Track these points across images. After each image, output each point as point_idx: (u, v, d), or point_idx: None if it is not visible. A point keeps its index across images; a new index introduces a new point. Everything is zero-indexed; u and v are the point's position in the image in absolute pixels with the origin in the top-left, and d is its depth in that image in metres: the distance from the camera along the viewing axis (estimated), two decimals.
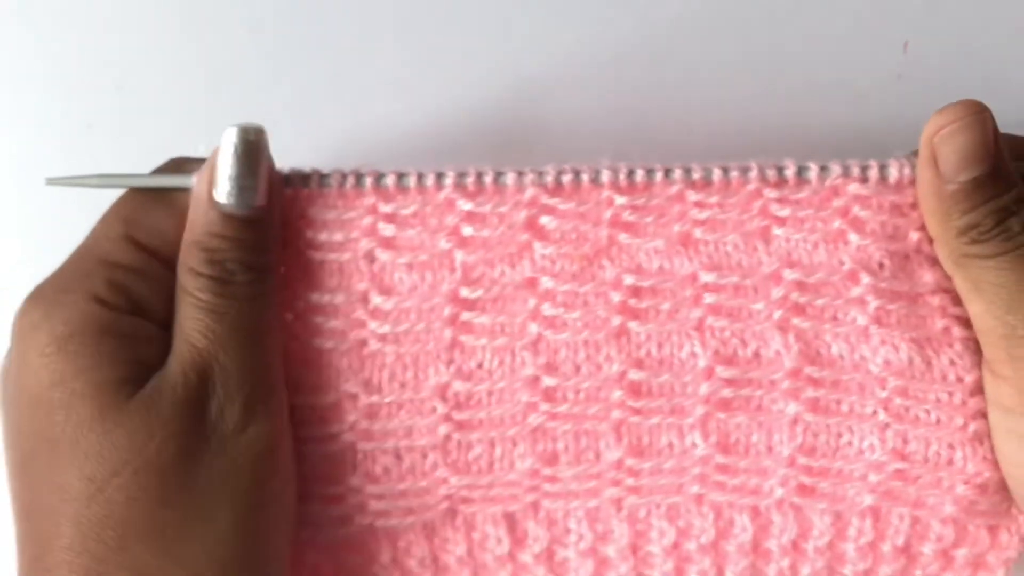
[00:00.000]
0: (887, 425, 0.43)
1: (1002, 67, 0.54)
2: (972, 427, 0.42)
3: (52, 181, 0.44)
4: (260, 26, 0.55)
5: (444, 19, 0.55)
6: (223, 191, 0.41)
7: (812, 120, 0.54)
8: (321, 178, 0.43)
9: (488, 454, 0.44)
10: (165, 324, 0.41)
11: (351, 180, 0.43)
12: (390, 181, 0.43)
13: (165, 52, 0.55)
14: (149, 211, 0.42)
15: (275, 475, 0.41)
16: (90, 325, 0.39)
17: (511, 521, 0.45)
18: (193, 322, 0.40)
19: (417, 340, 0.43)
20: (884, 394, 0.43)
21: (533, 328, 0.43)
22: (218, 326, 0.40)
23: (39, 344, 0.39)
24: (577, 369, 0.43)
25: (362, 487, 0.44)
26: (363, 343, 0.43)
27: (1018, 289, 0.40)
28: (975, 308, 0.42)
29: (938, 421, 0.42)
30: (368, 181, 0.43)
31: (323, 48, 0.55)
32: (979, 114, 0.41)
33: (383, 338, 0.43)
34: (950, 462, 0.43)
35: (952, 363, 0.42)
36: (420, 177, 0.43)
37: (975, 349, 0.43)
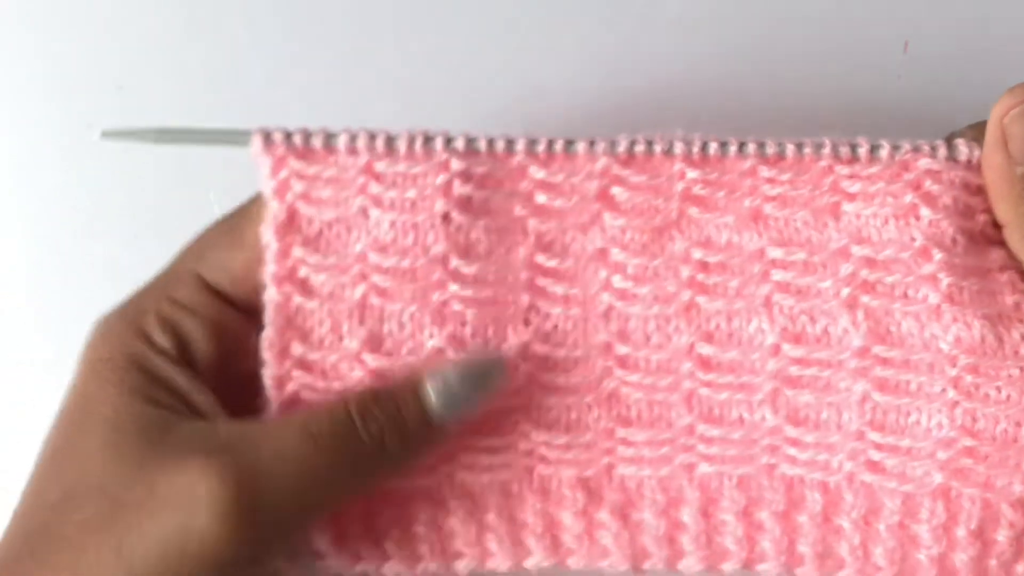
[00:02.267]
0: (956, 403, 0.42)
1: (1002, 67, 0.54)
2: None
3: (107, 133, 0.43)
4: (260, 26, 0.55)
5: (444, 20, 0.55)
6: (441, 397, 0.41)
7: (812, 120, 0.54)
8: (388, 140, 0.43)
9: (565, 415, 0.45)
10: (206, 364, 0.42)
11: (420, 139, 0.43)
12: (460, 143, 0.43)
13: (165, 52, 0.55)
14: (220, 247, 0.43)
15: None
16: (126, 358, 0.41)
17: (586, 485, 0.45)
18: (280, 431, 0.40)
19: (494, 303, 0.44)
20: (954, 372, 0.42)
21: (605, 298, 0.44)
22: (295, 442, 0.39)
23: (86, 359, 0.41)
24: (647, 339, 0.44)
25: (448, 436, 0.44)
26: (445, 304, 0.43)
27: None
28: None
29: (1008, 398, 0.42)
30: (438, 141, 0.43)
31: (323, 48, 0.55)
32: None
33: (465, 300, 0.43)
34: (1016, 439, 0.42)
35: (1022, 338, 0.42)
36: (490, 142, 0.43)
37: None
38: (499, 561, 0.46)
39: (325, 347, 0.44)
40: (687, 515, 0.45)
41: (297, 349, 0.43)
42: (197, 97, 0.55)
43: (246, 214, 0.44)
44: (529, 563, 0.46)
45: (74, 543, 0.37)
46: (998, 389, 0.42)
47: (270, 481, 0.38)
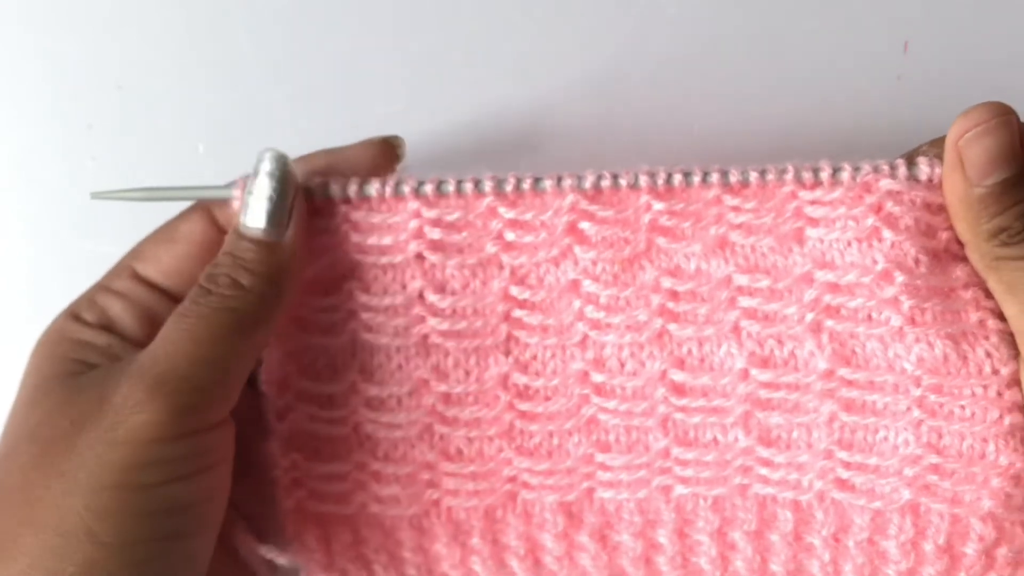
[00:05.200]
0: (921, 421, 0.43)
1: (1002, 67, 0.54)
2: (1007, 420, 0.42)
3: (96, 195, 0.46)
4: (260, 26, 0.55)
5: (444, 21, 0.55)
6: (245, 212, 0.44)
7: (812, 120, 0.54)
8: (361, 186, 0.45)
9: (547, 442, 0.46)
10: (134, 342, 0.44)
11: (390, 189, 0.45)
12: (429, 189, 0.45)
13: (165, 52, 0.55)
14: (154, 244, 0.46)
15: (159, 467, 0.40)
16: (56, 334, 0.45)
17: (567, 509, 0.47)
18: (166, 325, 0.42)
19: (476, 335, 0.46)
20: (918, 392, 0.43)
21: (580, 328, 0.45)
22: (174, 324, 0.42)
23: (32, 350, 0.45)
24: (622, 367, 0.45)
25: (436, 464, 0.46)
26: (426, 337, 0.46)
27: None
28: (1011, 310, 0.42)
29: (972, 415, 0.42)
30: (407, 188, 0.45)
31: (323, 48, 0.55)
32: (1005, 116, 0.41)
33: (444, 334, 0.46)
34: (983, 455, 0.43)
35: (988, 355, 0.42)
36: (459, 184, 0.45)
37: (1011, 342, 0.42)
38: None
39: (323, 378, 0.46)
40: (663, 536, 0.46)
41: (296, 380, 0.46)
42: (197, 97, 0.55)
43: (181, 215, 0.46)
44: None
45: (20, 484, 0.40)
46: (962, 407, 0.43)
47: (169, 359, 0.41)
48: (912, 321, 0.42)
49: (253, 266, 0.43)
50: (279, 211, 0.44)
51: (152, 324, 0.44)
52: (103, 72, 0.55)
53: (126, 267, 0.46)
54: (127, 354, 0.42)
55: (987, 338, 0.43)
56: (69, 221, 0.55)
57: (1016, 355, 0.42)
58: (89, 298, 0.45)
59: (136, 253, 0.46)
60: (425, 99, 0.54)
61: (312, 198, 0.45)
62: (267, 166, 0.44)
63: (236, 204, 0.44)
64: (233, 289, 0.42)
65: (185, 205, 0.47)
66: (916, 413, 0.43)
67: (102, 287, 0.45)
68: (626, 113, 0.54)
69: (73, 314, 0.45)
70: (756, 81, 0.54)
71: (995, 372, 0.42)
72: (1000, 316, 0.43)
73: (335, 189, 0.45)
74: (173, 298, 0.45)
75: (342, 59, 0.54)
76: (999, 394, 0.42)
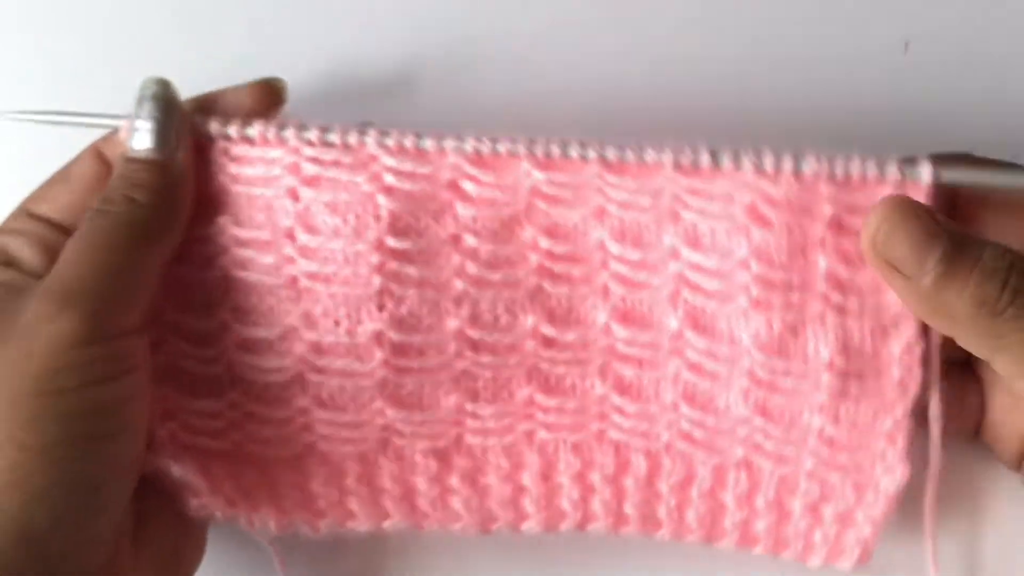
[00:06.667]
0: (749, 389, 0.46)
1: (1002, 67, 0.54)
2: (824, 395, 0.45)
3: (2, 115, 0.48)
4: (260, 26, 0.55)
5: (444, 22, 0.55)
6: (132, 137, 0.45)
7: (812, 120, 0.54)
8: (243, 127, 0.45)
9: (419, 394, 0.47)
10: (40, 273, 0.44)
11: (272, 133, 0.45)
12: (313, 136, 0.45)
13: (165, 52, 0.55)
14: (48, 186, 0.47)
15: (76, 371, 0.41)
16: None
17: (438, 454, 0.48)
18: (65, 248, 0.43)
19: (346, 283, 0.45)
20: (748, 363, 0.45)
21: (458, 284, 0.46)
22: (73, 243, 0.43)
23: None
24: (496, 322, 0.46)
25: (310, 409, 0.47)
26: (295, 280, 0.45)
27: None
28: None
29: (795, 391, 0.46)
30: (290, 134, 0.45)
31: (323, 48, 0.55)
32: (899, 203, 0.41)
33: (313, 277, 0.45)
34: (798, 420, 0.46)
35: (816, 338, 0.45)
36: (343, 134, 0.45)
37: (842, 334, 0.45)
38: (361, 522, 0.49)
39: (198, 314, 0.47)
40: (528, 479, 0.48)
41: (171, 314, 0.46)
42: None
43: (74, 159, 0.47)
44: (387, 525, 0.49)
45: None
46: (785, 379, 0.45)
47: (74, 274, 0.42)
48: (757, 304, 0.44)
49: (145, 183, 0.44)
50: (165, 131, 0.45)
51: (51, 255, 0.44)
52: (103, 72, 0.55)
53: (22, 210, 0.46)
54: (29, 285, 0.43)
55: (823, 325, 0.45)
56: None
57: (841, 344, 0.44)
58: None
59: (30, 197, 0.47)
60: (425, 98, 0.54)
61: (192, 135, 0.45)
62: (150, 90, 0.45)
63: (124, 134, 0.45)
64: (127, 204, 0.43)
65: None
66: (745, 382, 0.45)
67: None
68: (623, 111, 0.54)
69: None
70: (755, 81, 0.54)
71: (817, 353, 0.45)
72: (839, 312, 0.44)
73: (215, 127, 0.45)
74: (69, 232, 0.45)
75: (343, 58, 0.54)
76: (816, 372, 0.45)
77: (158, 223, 0.44)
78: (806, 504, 0.48)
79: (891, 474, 0.46)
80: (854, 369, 0.45)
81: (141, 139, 0.45)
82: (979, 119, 0.54)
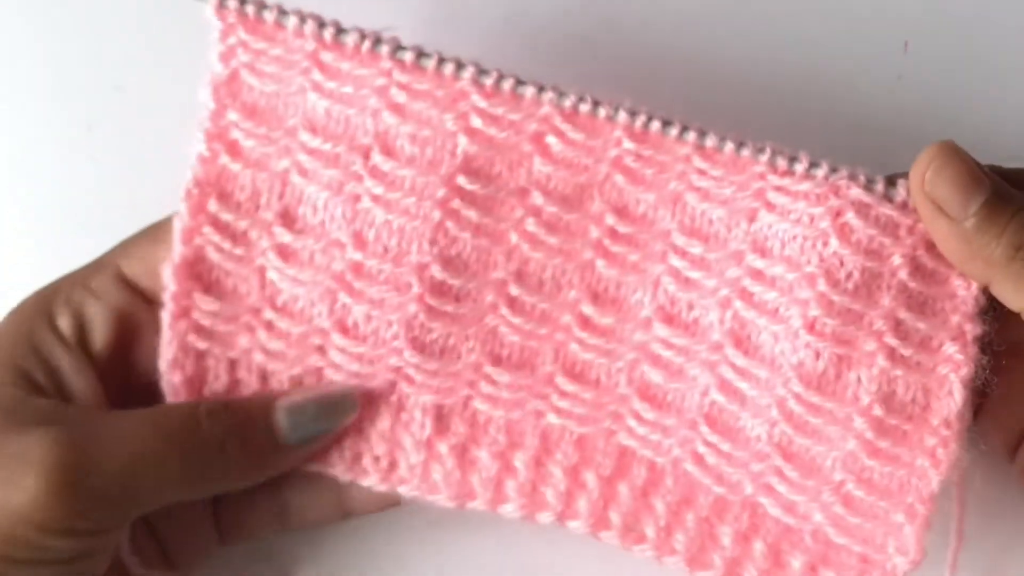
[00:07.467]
0: (776, 422, 0.44)
1: (1002, 67, 0.54)
2: (851, 444, 0.43)
3: None
4: None
5: (445, 23, 0.55)
6: (292, 423, 0.44)
7: (812, 120, 0.54)
8: (338, 32, 0.44)
9: (443, 343, 0.45)
10: (103, 347, 0.44)
11: (368, 43, 0.44)
12: (409, 56, 0.44)
13: (165, 52, 0.55)
14: (142, 243, 0.45)
15: (32, 550, 0.39)
16: (24, 332, 0.43)
17: (439, 412, 0.46)
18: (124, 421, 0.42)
19: (406, 212, 0.44)
20: (783, 392, 0.43)
21: (513, 238, 0.45)
22: (133, 424, 0.41)
23: None
24: (541, 286, 0.45)
25: (329, 332, 0.45)
26: (357, 199, 0.44)
27: None
28: None
29: (823, 435, 0.43)
30: (385, 48, 0.44)
31: None
32: (949, 147, 0.41)
33: (375, 199, 0.44)
34: (819, 469, 0.44)
35: (859, 382, 0.43)
36: (440, 61, 0.44)
37: (887, 382, 0.43)
38: (339, 471, 0.47)
39: (240, 212, 0.45)
40: (519, 461, 0.46)
41: (213, 206, 0.45)
42: (197, 97, 0.55)
43: (172, 216, 0.45)
44: (367, 483, 0.47)
45: None
46: (816, 420, 0.43)
47: (102, 453, 0.39)
48: (811, 328, 0.42)
49: (253, 450, 0.43)
50: (312, 438, 0.45)
51: (123, 328, 0.44)
52: (103, 72, 0.55)
53: (110, 264, 0.45)
54: (76, 384, 0.42)
55: (869, 368, 0.43)
56: (69, 221, 0.55)
57: (883, 392, 0.43)
58: (68, 294, 0.44)
59: (122, 249, 0.46)
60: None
61: (282, 23, 0.44)
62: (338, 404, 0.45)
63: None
64: (216, 447, 0.42)
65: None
66: (774, 412, 0.43)
67: (82, 283, 0.45)
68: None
69: (46, 311, 0.44)
70: (755, 80, 0.54)
71: (856, 399, 0.43)
72: (890, 356, 0.42)
73: (311, 26, 0.44)
74: (151, 300, 0.44)
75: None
76: (850, 418, 0.43)
77: (231, 483, 0.44)
78: (805, 562, 0.45)
79: (905, 555, 0.43)
80: (891, 425, 0.43)
81: (295, 427, 0.44)
82: (979, 119, 0.54)
